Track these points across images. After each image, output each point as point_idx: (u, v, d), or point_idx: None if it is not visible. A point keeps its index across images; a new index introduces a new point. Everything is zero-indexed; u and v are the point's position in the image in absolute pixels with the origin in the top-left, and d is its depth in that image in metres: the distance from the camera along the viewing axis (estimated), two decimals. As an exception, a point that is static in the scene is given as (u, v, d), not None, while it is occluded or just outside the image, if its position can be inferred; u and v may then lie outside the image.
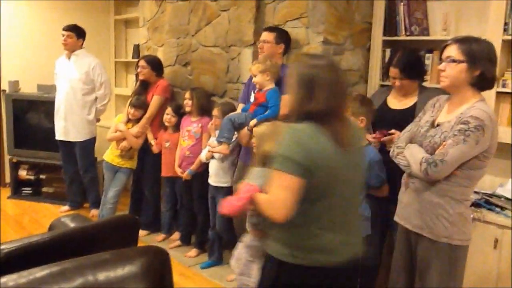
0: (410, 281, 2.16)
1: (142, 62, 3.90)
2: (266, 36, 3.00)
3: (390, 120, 2.58)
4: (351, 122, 1.87)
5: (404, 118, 2.43)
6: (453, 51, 1.92)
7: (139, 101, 3.82)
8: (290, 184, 1.58)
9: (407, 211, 2.07)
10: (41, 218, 4.41)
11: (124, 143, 3.81)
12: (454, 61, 1.91)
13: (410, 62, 2.61)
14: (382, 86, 3.07)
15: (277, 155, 1.63)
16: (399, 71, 2.59)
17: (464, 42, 1.91)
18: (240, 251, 2.17)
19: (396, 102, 2.70)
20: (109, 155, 3.92)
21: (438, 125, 2.00)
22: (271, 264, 1.73)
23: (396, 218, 2.18)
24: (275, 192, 1.62)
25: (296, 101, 1.69)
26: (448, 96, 2.06)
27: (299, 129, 1.63)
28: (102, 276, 1.55)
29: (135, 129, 3.80)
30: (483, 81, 1.92)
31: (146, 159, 3.93)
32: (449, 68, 1.92)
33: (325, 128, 1.62)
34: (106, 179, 3.97)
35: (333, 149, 1.61)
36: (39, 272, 1.49)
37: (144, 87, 3.96)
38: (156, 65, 3.93)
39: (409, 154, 2.01)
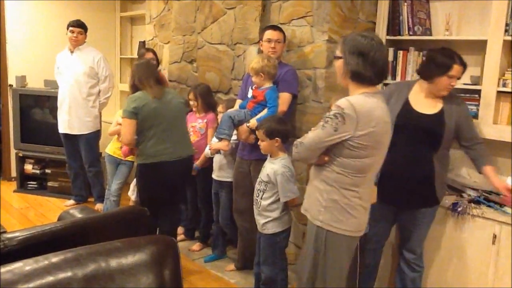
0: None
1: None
2: (278, 35, 3.01)
3: (419, 126, 2.50)
4: (166, 88, 3.14)
5: (435, 124, 2.50)
6: (337, 48, 2.03)
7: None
8: (128, 122, 2.93)
9: (306, 195, 2.18)
10: (46, 212, 4.47)
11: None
12: (336, 57, 2.02)
13: None
14: (385, 84, 3.12)
15: (122, 110, 3.04)
16: (463, 70, 2.47)
17: (344, 39, 2.00)
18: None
19: (421, 105, 2.55)
20: (111, 148, 3.98)
21: None
22: (138, 166, 3.09)
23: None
24: (122, 129, 3.03)
25: None
26: None
27: (134, 95, 2.97)
28: (114, 262, 1.61)
29: None
30: (358, 75, 1.92)
31: None
32: (335, 65, 2.07)
33: (146, 91, 2.96)
34: (109, 172, 4.04)
35: (148, 99, 2.92)
36: (54, 258, 1.55)
37: None
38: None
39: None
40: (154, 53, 4.12)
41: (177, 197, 3.31)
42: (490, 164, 2.53)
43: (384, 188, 2.44)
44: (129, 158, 3.91)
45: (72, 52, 4.40)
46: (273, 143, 2.64)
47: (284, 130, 2.67)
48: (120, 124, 3.80)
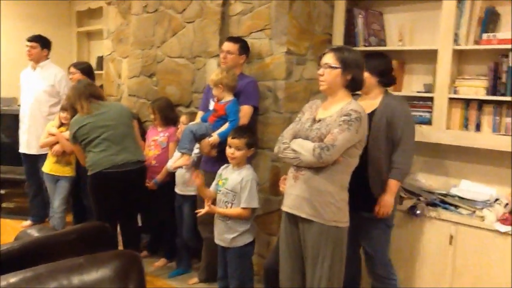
0: (297, 269, 2.32)
1: (72, 69, 4.06)
2: (230, 46, 3.05)
3: None
4: (100, 102, 3.28)
5: None
6: (330, 58, 2.18)
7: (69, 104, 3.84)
8: (75, 147, 3.26)
9: (298, 201, 2.22)
10: (1, 234, 4.28)
11: (56, 147, 3.81)
12: (330, 67, 2.16)
13: None
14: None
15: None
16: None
17: (339, 50, 2.20)
18: None
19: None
20: (47, 165, 3.91)
21: (320, 120, 2.21)
22: (88, 177, 3.19)
23: (285, 209, 2.31)
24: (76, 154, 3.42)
25: None
26: (319, 100, 2.34)
27: (71, 122, 3.23)
28: (76, 280, 1.58)
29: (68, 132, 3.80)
30: (353, 83, 2.21)
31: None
32: (326, 73, 2.18)
33: (80, 113, 3.18)
34: (49, 191, 3.97)
35: (81, 119, 3.14)
36: (12, 278, 1.50)
37: None
38: (86, 70, 4.05)
39: (298, 146, 2.19)
40: (83, 69, 4.07)
41: (132, 206, 3.33)
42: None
43: None
44: (66, 173, 3.89)
45: (34, 69, 4.29)
46: (248, 153, 2.70)
47: (257, 141, 2.76)
48: (52, 135, 3.84)
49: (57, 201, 3.88)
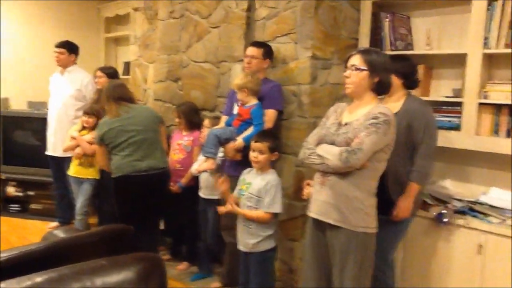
0: (323, 275, 2.28)
1: (99, 73, 4.12)
2: (254, 51, 3.05)
3: None
4: (130, 105, 3.27)
5: None
6: (357, 60, 2.14)
7: (92, 109, 3.91)
8: (98, 149, 3.28)
9: (325, 207, 2.18)
10: (29, 234, 4.38)
11: (77, 150, 3.88)
12: (357, 69, 2.12)
13: None
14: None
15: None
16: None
17: (366, 53, 2.17)
18: None
19: None
20: (72, 168, 3.99)
21: (346, 124, 2.16)
22: (112, 179, 3.24)
23: (312, 215, 2.27)
24: (96, 156, 3.45)
25: None
26: (345, 103, 2.31)
27: (99, 123, 3.31)
28: (99, 281, 1.58)
29: (89, 135, 3.84)
30: (380, 87, 2.17)
31: None
32: (353, 75, 2.13)
33: (109, 114, 3.22)
34: (74, 193, 4.04)
35: (110, 122, 3.18)
36: (37, 278, 1.51)
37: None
38: (112, 74, 4.10)
39: (324, 151, 2.15)
40: (109, 74, 4.14)
41: (153, 211, 3.31)
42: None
43: None
44: (90, 175, 3.95)
45: (62, 74, 4.40)
46: (271, 157, 2.68)
47: (279, 145, 2.75)
48: (73, 138, 3.92)
49: (78, 204, 3.95)
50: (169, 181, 3.43)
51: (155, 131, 3.30)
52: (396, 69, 2.48)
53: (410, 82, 2.60)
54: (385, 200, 2.43)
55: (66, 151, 4.00)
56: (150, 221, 3.33)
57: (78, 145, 3.89)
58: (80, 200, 3.95)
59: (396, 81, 2.50)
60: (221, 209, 2.78)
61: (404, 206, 2.48)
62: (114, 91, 3.26)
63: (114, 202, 3.28)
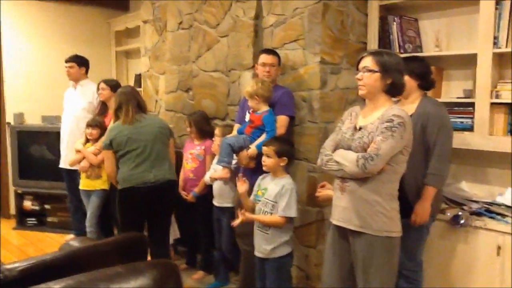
0: (346, 281, 2.24)
1: (102, 85, 4.14)
2: (272, 59, 3.06)
3: None
4: (143, 114, 3.24)
5: None
6: (368, 62, 2.12)
7: (94, 121, 3.95)
8: (106, 154, 3.23)
9: (347, 213, 2.15)
10: (46, 247, 4.42)
11: (82, 163, 3.91)
12: (369, 70, 2.10)
13: None
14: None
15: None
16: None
17: (378, 54, 2.14)
18: None
19: None
20: (81, 182, 4.03)
21: (361, 128, 2.14)
22: (116, 192, 3.25)
23: (334, 222, 2.24)
24: (104, 161, 3.35)
25: None
26: (358, 106, 2.27)
27: (109, 127, 3.29)
28: (116, 288, 1.59)
29: (93, 147, 3.89)
30: (394, 88, 2.13)
31: None
32: (365, 77, 2.11)
33: (121, 119, 3.16)
34: (85, 206, 4.08)
35: (122, 128, 3.13)
36: (55, 285, 1.53)
37: (104, 108, 4.17)
38: (115, 86, 4.09)
39: (341, 157, 2.12)
40: (113, 86, 4.10)
41: (160, 221, 3.29)
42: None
43: None
44: (98, 187, 3.97)
45: (75, 88, 4.47)
46: (279, 161, 2.68)
47: (292, 151, 2.77)
48: (78, 151, 3.94)
49: (88, 216, 3.98)
50: (176, 193, 3.42)
51: (164, 143, 3.27)
52: (411, 70, 2.48)
53: (426, 83, 2.58)
54: (404, 203, 2.41)
55: (73, 165, 4.03)
56: (158, 232, 3.29)
57: (83, 158, 3.92)
58: (89, 213, 3.97)
59: (411, 82, 2.50)
60: (235, 222, 2.76)
61: (422, 211, 2.45)
62: (135, 97, 3.22)
63: (117, 211, 3.27)
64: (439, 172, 2.46)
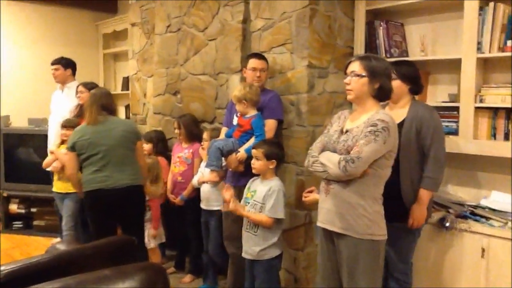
0: (338, 282, 2.26)
1: (80, 88, 4.11)
2: (262, 64, 3.06)
3: None
4: (109, 117, 3.18)
5: None
6: (356, 66, 2.14)
7: (70, 122, 3.85)
8: (68, 156, 3.20)
9: (330, 216, 2.18)
10: (32, 250, 4.38)
11: (54, 164, 3.85)
12: (357, 75, 2.12)
13: None
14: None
15: None
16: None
17: (366, 59, 2.16)
18: None
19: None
20: (54, 185, 3.96)
21: (347, 131, 2.17)
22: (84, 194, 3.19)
23: (319, 224, 2.27)
24: (65, 163, 3.38)
25: None
26: (347, 110, 2.33)
27: (74, 130, 3.26)
28: (103, 291, 1.59)
29: (65, 149, 3.84)
30: (381, 92, 2.15)
31: None
32: (353, 82, 2.14)
33: (87, 119, 3.14)
34: (59, 209, 4.01)
35: (85, 131, 3.12)
36: (41, 289, 1.53)
37: (82, 110, 4.03)
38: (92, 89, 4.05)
39: (325, 159, 2.15)
40: (92, 89, 3.90)
41: (130, 227, 3.17)
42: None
43: None
44: (72, 189, 3.79)
45: (62, 90, 4.44)
46: (268, 164, 2.69)
47: (281, 154, 2.78)
48: (52, 153, 3.88)
49: (64, 219, 3.88)
50: (141, 198, 3.30)
51: (128, 147, 3.18)
52: (403, 74, 2.50)
53: (417, 87, 2.60)
54: (401, 207, 2.45)
55: (46, 167, 3.96)
56: (131, 235, 3.19)
57: (56, 159, 3.85)
58: (64, 216, 3.88)
59: (403, 87, 2.52)
60: (225, 206, 2.77)
61: (419, 215, 2.47)
62: (101, 98, 3.19)
63: (87, 216, 3.25)
64: (434, 175, 2.47)
